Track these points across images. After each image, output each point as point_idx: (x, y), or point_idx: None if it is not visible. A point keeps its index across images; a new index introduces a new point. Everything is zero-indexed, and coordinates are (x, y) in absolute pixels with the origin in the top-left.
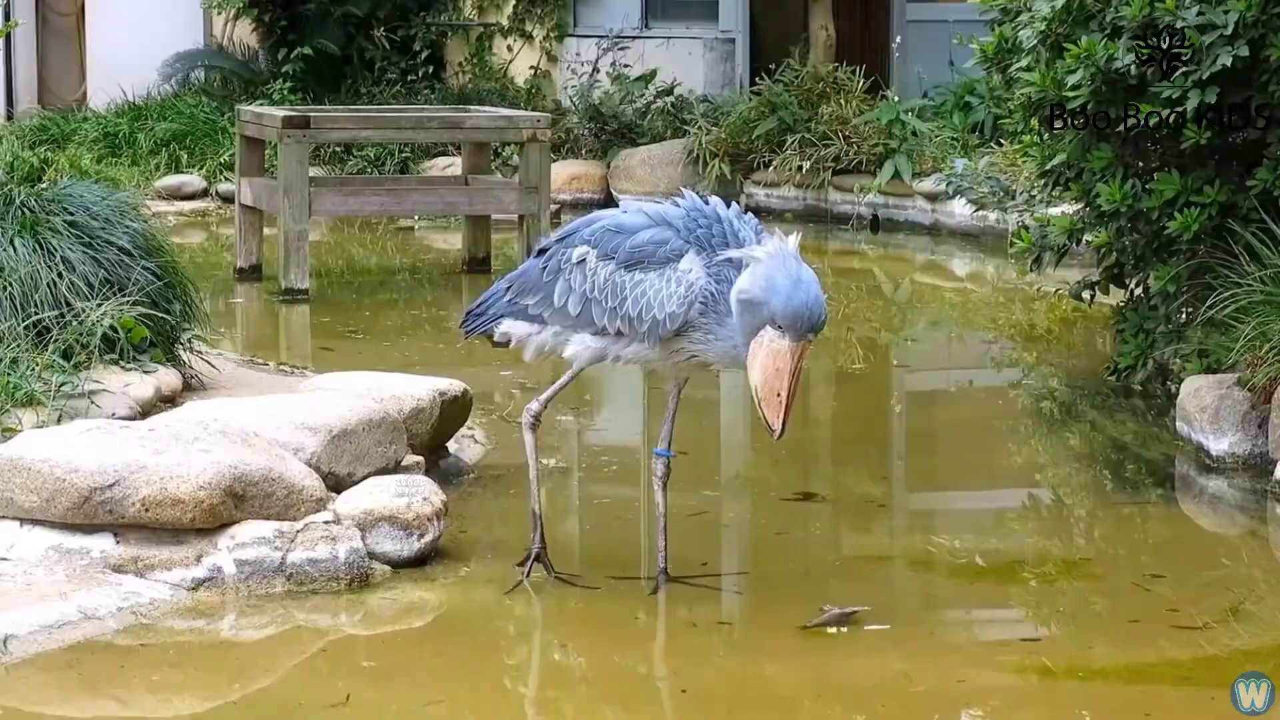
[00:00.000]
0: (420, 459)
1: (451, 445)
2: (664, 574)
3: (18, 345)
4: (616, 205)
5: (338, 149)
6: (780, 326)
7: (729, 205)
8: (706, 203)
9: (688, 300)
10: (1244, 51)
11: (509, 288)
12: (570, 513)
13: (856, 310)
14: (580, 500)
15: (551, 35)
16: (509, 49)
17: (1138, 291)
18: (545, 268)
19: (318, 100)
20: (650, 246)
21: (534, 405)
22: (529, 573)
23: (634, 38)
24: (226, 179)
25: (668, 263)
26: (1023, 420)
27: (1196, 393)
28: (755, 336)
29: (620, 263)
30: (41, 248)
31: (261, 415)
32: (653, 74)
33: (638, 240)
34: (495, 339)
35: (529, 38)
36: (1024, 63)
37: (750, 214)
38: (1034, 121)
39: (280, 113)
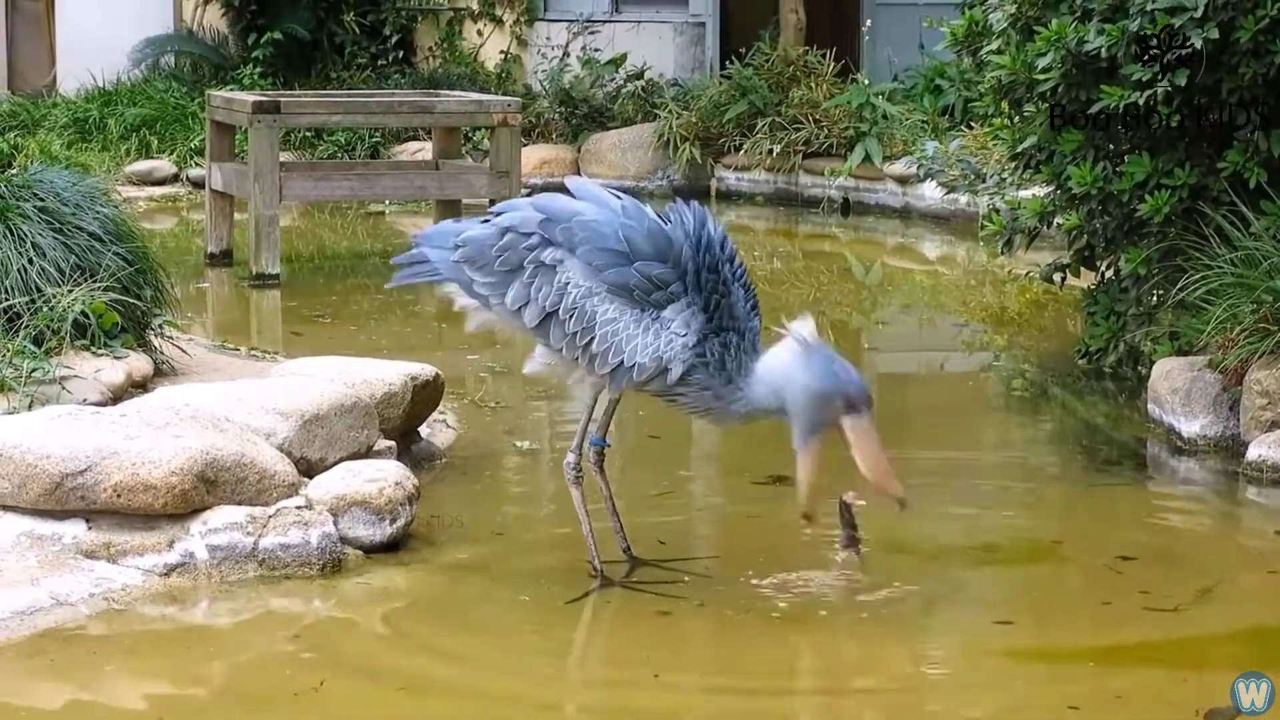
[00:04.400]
0: (392, 444)
1: (423, 430)
2: (628, 555)
3: None
4: None
5: (308, 134)
6: (856, 407)
7: (725, 245)
8: (713, 243)
9: (660, 356)
10: (1214, 34)
11: (459, 247)
12: (542, 495)
13: (827, 293)
14: (553, 483)
15: (521, 19)
16: (479, 33)
17: (1108, 274)
18: (502, 255)
19: (288, 85)
20: (648, 284)
21: (570, 457)
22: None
23: (604, 22)
24: (197, 164)
25: (656, 306)
26: (994, 403)
27: (1168, 375)
28: (814, 415)
29: (605, 284)
30: (12, 234)
31: (233, 400)
32: (623, 58)
33: (642, 271)
34: (439, 293)
35: (499, 22)
36: (994, 45)
37: (729, 238)
38: (1004, 104)
39: (250, 98)
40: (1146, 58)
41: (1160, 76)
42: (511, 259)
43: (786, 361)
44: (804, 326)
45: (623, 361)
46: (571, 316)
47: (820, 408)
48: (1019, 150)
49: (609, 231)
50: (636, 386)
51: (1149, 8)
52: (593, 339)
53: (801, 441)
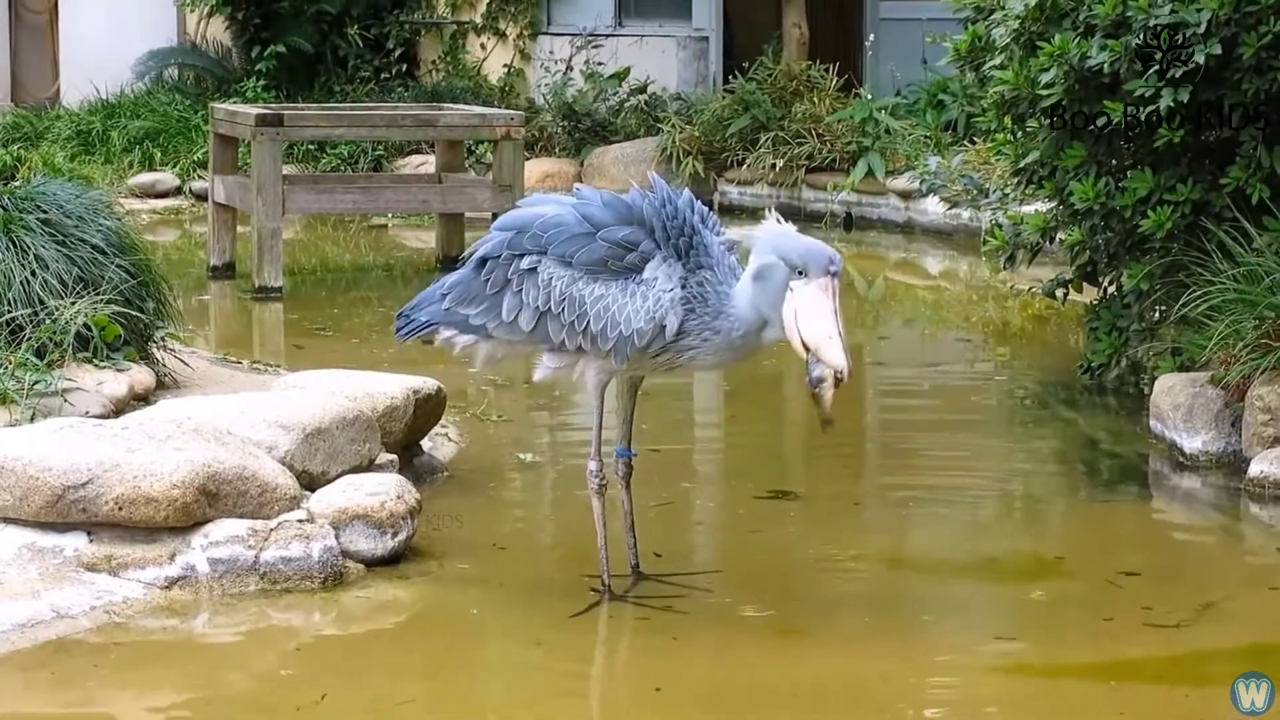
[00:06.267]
0: (394, 457)
1: (425, 443)
2: (636, 571)
3: None
4: None
5: (311, 147)
6: (801, 271)
7: (693, 206)
8: (674, 199)
9: (654, 315)
10: (1216, 49)
11: (446, 295)
12: (544, 509)
13: None
14: (555, 496)
15: (525, 33)
16: (482, 47)
17: (1111, 289)
18: (489, 279)
19: (291, 98)
20: (619, 250)
21: (592, 465)
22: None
23: (607, 36)
24: (200, 177)
25: (634, 270)
26: (996, 418)
27: (1169, 391)
28: (783, 303)
29: (581, 267)
30: (14, 246)
31: (235, 413)
32: (626, 72)
33: (608, 239)
34: (435, 342)
35: (502, 35)
36: (997, 61)
37: (710, 211)
38: (1007, 119)
39: (254, 110)
40: (1149, 68)
41: (1161, 89)
42: (498, 278)
43: (749, 269)
44: (763, 226)
45: (621, 331)
46: (564, 308)
47: (767, 280)
48: (1021, 165)
49: (570, 219)
50: (642, 354)
51: (1152, 23)
52: (588, 320)
53: (773, 321)
